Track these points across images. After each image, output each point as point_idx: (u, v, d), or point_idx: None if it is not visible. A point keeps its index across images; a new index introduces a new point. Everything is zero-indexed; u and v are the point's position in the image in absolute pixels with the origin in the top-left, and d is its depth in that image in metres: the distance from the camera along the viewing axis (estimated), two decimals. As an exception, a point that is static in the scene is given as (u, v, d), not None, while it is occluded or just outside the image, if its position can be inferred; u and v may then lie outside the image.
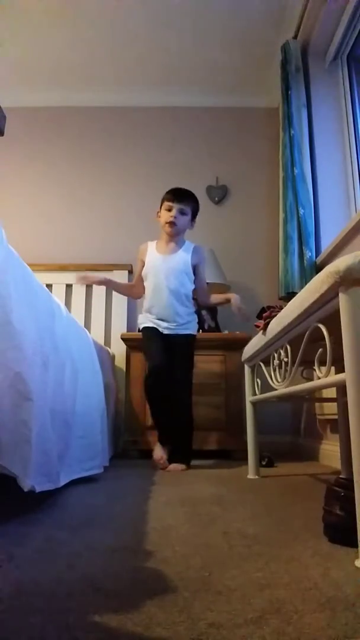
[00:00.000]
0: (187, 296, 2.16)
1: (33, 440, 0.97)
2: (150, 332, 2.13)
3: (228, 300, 2.16)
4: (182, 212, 2.10)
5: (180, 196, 2.11)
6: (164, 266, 2.13)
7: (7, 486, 1.05)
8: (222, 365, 2.45)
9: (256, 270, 3.01)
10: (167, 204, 2.11)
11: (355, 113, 2.47)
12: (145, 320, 2.17)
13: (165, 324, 2.11)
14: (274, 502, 1.24)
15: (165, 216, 2.11)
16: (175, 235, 2.15)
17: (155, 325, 2.12)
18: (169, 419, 2.05)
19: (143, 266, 2.21)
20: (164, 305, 2.11)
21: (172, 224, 2.09)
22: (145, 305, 2.19)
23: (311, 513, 1.05)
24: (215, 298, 2.25)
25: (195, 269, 2.17)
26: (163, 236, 2.19)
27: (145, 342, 2.15)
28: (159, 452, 1.98)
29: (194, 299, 2.22)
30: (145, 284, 2.18)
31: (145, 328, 2.16)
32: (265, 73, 3.02)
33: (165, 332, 2.11)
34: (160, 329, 2.11)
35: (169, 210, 2.10)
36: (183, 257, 2.14)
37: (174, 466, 1.97)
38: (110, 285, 2.36)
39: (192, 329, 2.17)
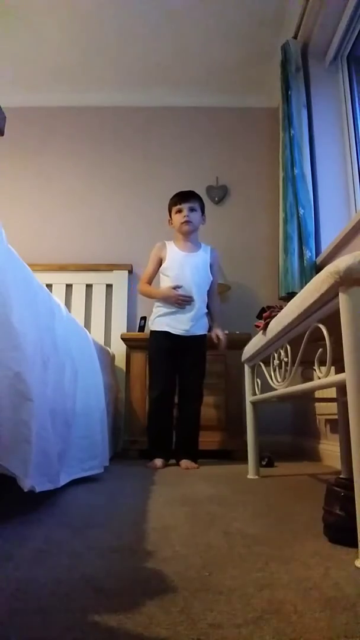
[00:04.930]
0: (206, 294, 2.21)
1: (33, 440, 0.96)
2: (160, 344, 2.13)
3: (217, 337, 2.22)
4: (192, 210, 2.21)
5: (185, 196, 2.23)
6: (188, 262, 2.19)
7: (7, 486, 1.05)
8: (222, 365, 2.45)
9: (256, 270, 3.01)
10: (175, 207, 2.22)
11: (355, 113, 2.47)
12: (158, 322, 2.16)
13: (181, 324, 2.11)
14: (274, 502, 1.24)
15: (178, 218, 2.21)
16: (192, 232, 2.23)
17: (168, 328, 2.12)
18: (166, 436, 2.11)
19: (159, 263, 2.25)
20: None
21: (187, 222, 2.18)
22: (160, 303, 2.19)
23: (311, 513, 1.05)
24: (212, 317, 2.27)
25: (210, 268, 2.26)
26: (179, 237, 2.27)
27: (153, 357, 2.18)
28: (159, 462, 2.02)
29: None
30: (166, 278, 2.21)
31: (155, 334, 2.16)
32: (265, 73, 3.02)
33: (180, 332, 2.11)
34: (174, 332, 2.11)
35: (180, 212, 2.20)
36: (204, 256, 2.24)
37: (185, 463, 1.98)
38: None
39: (205, 328, 2.20)
